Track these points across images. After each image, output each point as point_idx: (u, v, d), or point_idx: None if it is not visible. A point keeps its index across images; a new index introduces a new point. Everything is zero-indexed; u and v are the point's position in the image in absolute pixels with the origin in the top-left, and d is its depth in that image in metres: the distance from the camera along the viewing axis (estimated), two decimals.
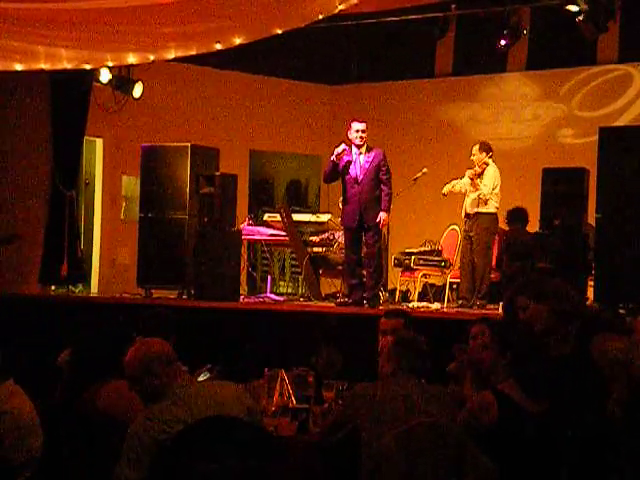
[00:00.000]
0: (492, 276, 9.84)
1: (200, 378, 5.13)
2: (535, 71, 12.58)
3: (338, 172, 8.95)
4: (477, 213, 9.23)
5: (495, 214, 9.31)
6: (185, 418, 3.82)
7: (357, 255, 9.00)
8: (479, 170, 9.24)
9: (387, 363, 4.63)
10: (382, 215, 8.77)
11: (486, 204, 9.22)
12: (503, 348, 4.60)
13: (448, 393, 4.62)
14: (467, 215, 9.31)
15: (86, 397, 4.24)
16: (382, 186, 8.80)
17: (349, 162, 8.85)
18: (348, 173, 8.87)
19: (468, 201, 9.33)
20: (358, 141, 8.82)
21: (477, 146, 9.36)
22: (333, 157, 8.87)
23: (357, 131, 8.82)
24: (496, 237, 10.16)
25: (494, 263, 10.02)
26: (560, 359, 4.08)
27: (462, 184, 9.46)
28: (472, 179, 9.22)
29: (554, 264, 8.28)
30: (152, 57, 8.65)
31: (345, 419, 4.50)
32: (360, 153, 8.86)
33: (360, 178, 8.83)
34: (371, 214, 8.80)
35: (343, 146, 8.85)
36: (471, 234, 9.27)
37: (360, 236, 8.95)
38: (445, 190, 9.50)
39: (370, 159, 8.83)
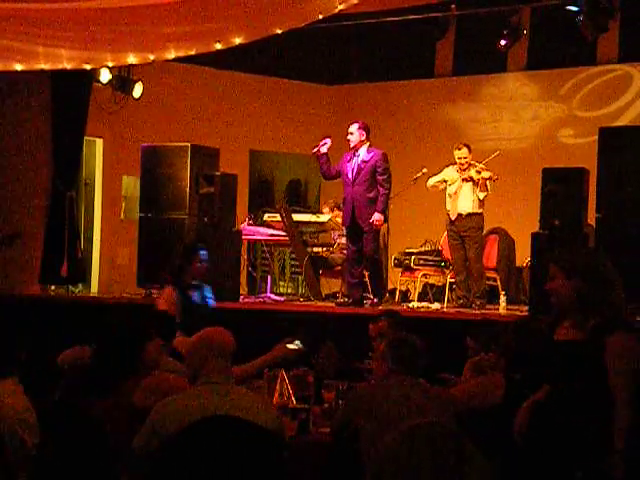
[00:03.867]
0: (493, 276, 9.86)
1: (290, 346, 5.23)
2: (535, 71, 12.58)
3: (324, 168, 9.02)
4: (473, 214, 9.26)
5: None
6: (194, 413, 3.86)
7: (356, 254, 9.01)
8: (492, 174, 9.23)
9: (381, 364, 4.63)
10: (375, 216, 8.77)
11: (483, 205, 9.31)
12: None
13: (447, 392, 4.63)
14: (459, 215, 9.30)
15: (119, 393, 4.24)
16: (378, 187, 8.81)
17: (348, 161, 8.92)
18: (345, 174, 8.92)
19: (463, 201, 9.29)
20: (350, 143, 8.90)
21: (466, 149, 9.36)
22: (314, 150, 8.95)
23: (347, 133, 8.92)
24: (497, 237, 10.18)
25: (494, 264, 10.03)
26: (565, 344, 3.99)
27: (451, 181, 9.43)
28: (491, 180, 9.21)
29: None
30: (152, 57, 8.64)
31: (346, 420, 4.50)
32: (357, 155, 8.90)
33: (354, 179, 8.87)
34: (364, 215, 8.81)
35: (324, 140, 8.92)
36: (464, 234, 9.27)
37: (358, 235, 8.96)
38: (431, 183, 9.52)
39: (367, 159, 8.86)
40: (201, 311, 6.91)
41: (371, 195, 8.81)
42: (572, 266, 4.00)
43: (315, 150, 9.00)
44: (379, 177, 8.81)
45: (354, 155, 8.90)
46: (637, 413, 3.76)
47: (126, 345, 4.37)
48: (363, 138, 8.90)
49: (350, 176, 8.88)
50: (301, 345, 5.22)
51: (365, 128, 8.93)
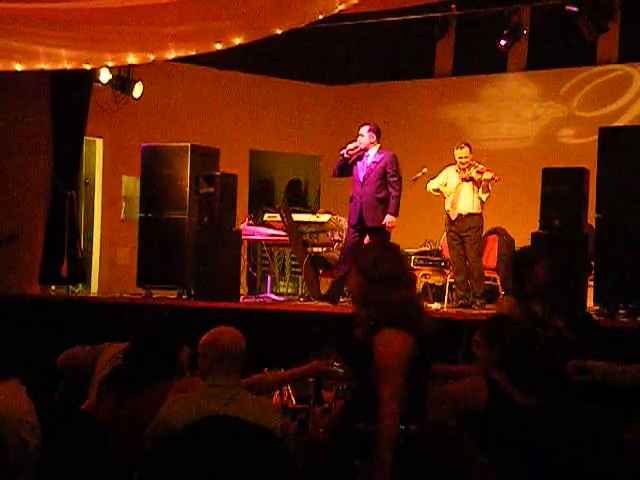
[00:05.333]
0: (493, 276, 9.86)
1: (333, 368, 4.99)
2: (535, 71, 12.59)
3: (348, 167, 8.98)
4: (473, 214, 9.27)
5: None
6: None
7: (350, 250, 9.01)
8: (494, 175, 9.23)
9: None
10: (388, 218, 8.81)
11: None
12: (491, 343, 4.71)
13: (445, 392, 4.62)
14: (459, 215, 9.30)
15: (151, 396, 4.25)
16: (389, 188, 8.84)
17: (359, 160, 8.91)
18: (355, 173, 8.94)
19: (464, 201, 9.29)
20: (360, 145, 8.90)
21: (467, 148, 9.37)
22: (343, 151, 8.92)
23: (358, 135, 8.93)
24: (497, 237, 10.18)
25: (494, 264, 10.02)
26: (355, 341, 3.94)
27: (450, 183, 9.44)
28: (493, 180, 9.22)
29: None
30: (152, 57, 8.63)
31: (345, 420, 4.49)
32: (367, 155, 8.92)
33: (364, 179, 8.89)
34: (371, 215, 8.84)
35: (355, 143, 8.91)
36: (464, 234, 9.28)
37: (360, 233, 8.97)
38: (430, 188, 9.54)
39: (377, 160, 8.88)
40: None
41: (380, 196, 8.84)
42: (358, 263, 4.00)
43: (346, 152, 8.95)
44: (390, 179, 8.84)
45: (364, 156, 8.93)
46: (398, 410, 3.72)
47: (162, 348, 4.38)
48: (373, 140, 8.93)
49: (360, 176, 8.92)
50: (341, 371, 4.89)
51: (376, 130, 8.96)
